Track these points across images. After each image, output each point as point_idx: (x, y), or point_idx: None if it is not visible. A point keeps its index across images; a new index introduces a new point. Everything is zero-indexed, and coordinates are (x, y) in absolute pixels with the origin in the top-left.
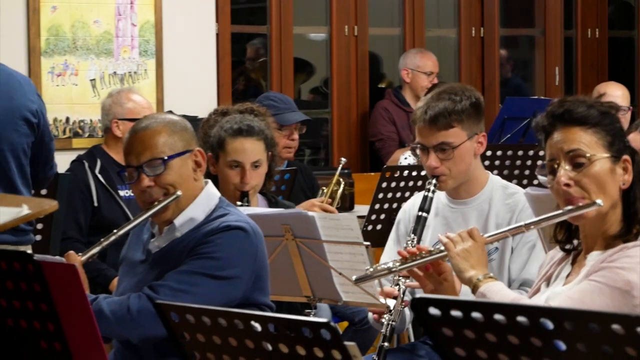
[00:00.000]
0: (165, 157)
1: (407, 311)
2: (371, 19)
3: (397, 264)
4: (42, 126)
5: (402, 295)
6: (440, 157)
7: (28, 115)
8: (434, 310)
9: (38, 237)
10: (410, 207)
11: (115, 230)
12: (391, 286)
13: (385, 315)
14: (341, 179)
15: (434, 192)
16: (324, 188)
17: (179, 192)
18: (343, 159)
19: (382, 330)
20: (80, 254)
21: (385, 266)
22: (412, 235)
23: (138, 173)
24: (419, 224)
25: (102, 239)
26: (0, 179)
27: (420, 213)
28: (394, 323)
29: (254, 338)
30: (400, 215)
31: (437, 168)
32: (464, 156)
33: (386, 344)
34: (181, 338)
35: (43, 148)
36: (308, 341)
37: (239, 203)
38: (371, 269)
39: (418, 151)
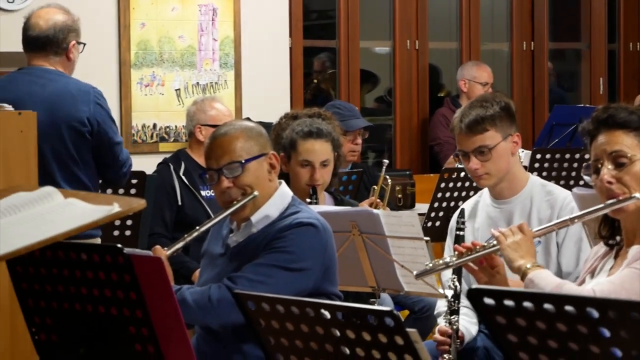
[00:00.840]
0: (243, 161)
1: (472, 327)
2: (431, 34)
3: (454, 258)
4: (99, 132)
5: (455, 335)
6: (480, 159)
7: (76, 125)
8: (488, 300)
9: (128, 233)
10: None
11: (197, 227)
12: (445, 324)
13: (445, 355)
14: (388, 178)
15: (463, 229)
16: (375, 187)
17: (255, 193)
18: (385, 161)
19: None
20: (165, 248)
21: (443, 261)
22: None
23: (218, 175)
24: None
25: (185, 235)
26: (47, 182)
27: (457, 232)
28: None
29: (324, 325)
30: (451, 224)
31: (477, 169)
32: (501, 155)
33: None
34: (257, 325)
35: (105, 151)
36: (373, 328)
37: (308, 200)
38: (430, 264)
39: (460, 158)
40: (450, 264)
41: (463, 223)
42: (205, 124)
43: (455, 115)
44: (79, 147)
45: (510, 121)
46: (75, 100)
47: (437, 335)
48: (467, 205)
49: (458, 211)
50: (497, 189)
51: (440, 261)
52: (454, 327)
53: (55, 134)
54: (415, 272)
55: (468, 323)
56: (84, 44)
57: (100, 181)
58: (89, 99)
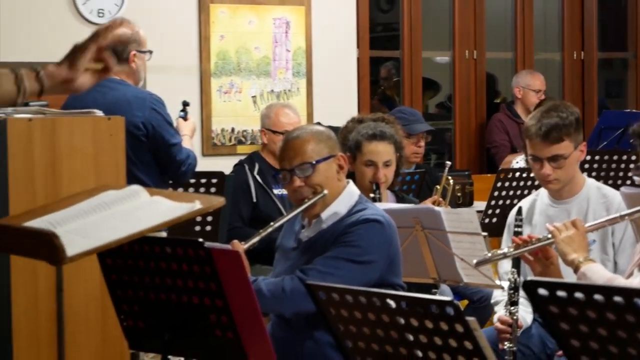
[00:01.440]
0: (313, 162)
1: (527, 316)
2: (487, 44)
3: (511, 249)
4: (154, 135)
5: (515, 324)
6: (553, 166)
7: (131, 129)
8: (542, 291)
9: (208, 228)
10: (513, 215)
11: (272, 223)
12: (505, 314)
13: (506, 343)
14: (450, 178)
15: (521, 226)
16: (437, 186)
17: (325, 191)
18: (448, 162)
19: (507, 357)
20: (243, 242)
21: (501, 252)
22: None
23: (291, 175)
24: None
25: (260, 230)
26: None
27: (516, 229)
28: (514, 348)
29: (389, 313)
30: (509, 220)
31: (549, 175)
32: (571, 164)
33: None
34: (327, 313)
35: (162, 152)
36: (435, 316)
37: (371, 195)
38: (489, 254)
39: (530, 162)
40: (508, 254)
41: (521, 220)
42: (269, 128)
43: (530, 122)
44: (136, 149)
45: (579, 131)
46: (131, 107)
47: (498, 324)
48: (524, 204)
49: (516, 209)
50: (559, 191)
51: (499, 252)
52: (514, 317)
53: None
54: (474, 261)
55: (524, 312)
56: (150, 52)
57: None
58: (145, 105)
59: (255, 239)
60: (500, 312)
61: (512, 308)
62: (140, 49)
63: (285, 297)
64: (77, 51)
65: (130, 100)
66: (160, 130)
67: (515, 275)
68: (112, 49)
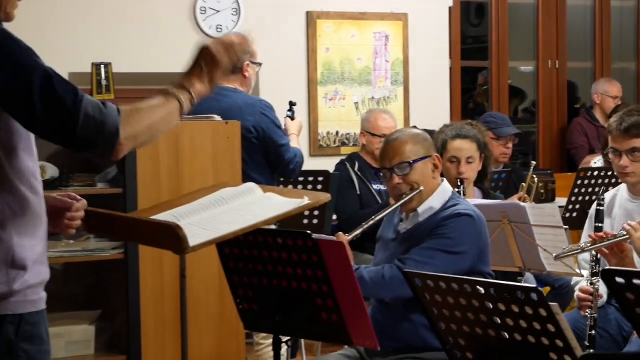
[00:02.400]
0: (411, 161)
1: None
2: (569, 55)
3: (589, 244)
4: (264, 138)
5: (596, 293)
6: (631, 159)
7: (244, 132)
8: (619, 279)
9: (315, 221)
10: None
11: (373, 217)
12: (587, 285)
13: (587, 310)
14: (535, 177)
15: (602, 204)
16: (523, 184)
17: (421, 188)
18: (533, 162)
19: (588, 322)
20: (347, 234)
21: (579, 246)
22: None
23: (390, 173)
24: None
25: (363, 223)
26: None
27: (597, 224)
28: (595, 315)
29: (479, 299)
30: (591, 212)
31: (627, 167)
32: None
33: (593, 332)
34: (423, 298)
35: (272, 153)
36: (521, 302)
37: (456, 189)
38: (568, 248)
39: (610, 155)
40: (585, 248)
41: (602, 205)
42: (368, 131)
43: (614, 119)
44: (248, 150)
45: None
46: (243, 112)
47: (579, 293)
48: (605, 197)
49: (598, 200)
50: (637, 187)
51: (577, 246)
52: (595, 287)
53: None
54: (554, 254)
55: (602, 287)
56: (260, 64)
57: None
58: (255, 110)
59: (358, 231)
60: (583, 284)
61: (594, 279)
62: (253, 60)
63: (385, 284)
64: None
65: (242, 107)
66: (270, 132)
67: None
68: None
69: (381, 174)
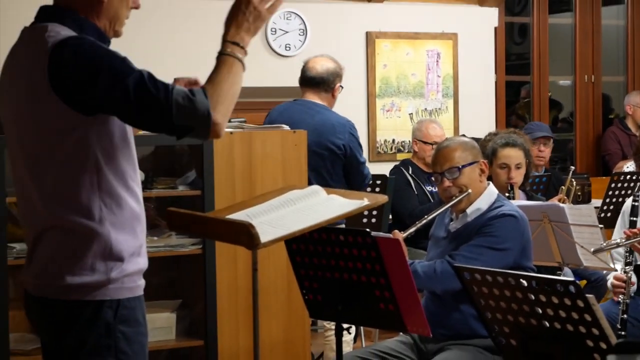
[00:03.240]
0: (460, 166)
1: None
2: (603, 69)
3: (623, 239)
4: (350, 155)
5: (629, 280)
6: None
7: (334, 148)
8: None
9: (373, 220)
10: (629, 203)
11: (425, 216)
12: (621, 273)
13: (620, 296)
14: (573, 180)
15: (637, 200)
16: (563, 187)
17: (469, 190)
18: (572, 167)
19: (620, 307)
20: (402, 231)
21: (614, 241)
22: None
23: (441, 177)
24: (632, 226)
25: (416, 222)
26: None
27: (632, 218)
28: (628, 300)
29: (522, 291)
30: (624, 208)
31: None
32: None
33: (625, 316)
34: (471, 290)
35: (353, 168)
36: (560, 293)
37: (506, 194)
38: (604, 244)
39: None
40: (620, 244)
41: (637, 200)
42: (420, 139)
43: None
44: (334, 163)
45: None
46: (335, 130)
47: (613, 280)
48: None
49: (634, 196)
50: None
51: (612, 242)
52: (628, 275)
53: (318, 152)
54: (592, 249)
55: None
56: (342, 87)
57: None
58: (345, 130)
59: (412, 229)
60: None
61: (627, 268)
62: (341, 83)
63: (437, 277)
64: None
65: (334, 125)
66: (355, 151)
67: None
68: (322, 78)
69: (432, 178)
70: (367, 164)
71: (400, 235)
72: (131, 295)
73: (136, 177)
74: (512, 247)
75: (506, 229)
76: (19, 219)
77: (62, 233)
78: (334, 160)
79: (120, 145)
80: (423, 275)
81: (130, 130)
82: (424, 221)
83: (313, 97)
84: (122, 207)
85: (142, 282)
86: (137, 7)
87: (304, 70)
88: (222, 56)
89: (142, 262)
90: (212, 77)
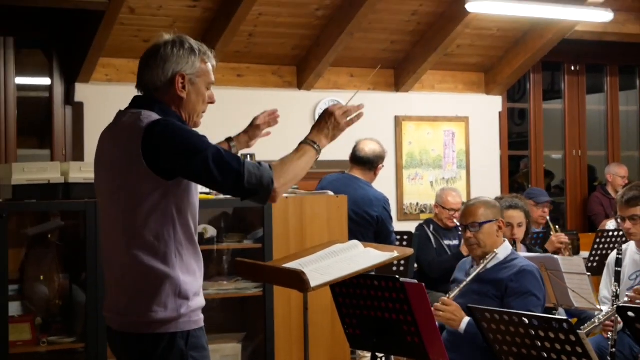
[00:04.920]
0: (480, 222)
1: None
2: (588, 145)
3: (602, 315)
4: (381, 225)
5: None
6: (632, 223)
7: (368, 218)
8: (630, 313)
9: (401, 268)
10: (613, 256)
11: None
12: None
13: (609, 333)
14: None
15: (620, 253)
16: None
17: (496, 252)
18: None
19: (610, 342)
20: (447, 295)
21: (595, 321)
22: (615, 284)
23: (465, 228)
24: (617, 275)
25: (459, 285)
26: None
27: (617, 269)
28: (615, 337)
29: (524, 327)
30: (608, 260)
31: (630, 229)
32: None
33: (613, 349)
34: (482, 326)
35: (383, 235)
36: (555, 330)
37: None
38: (596, 321)
39: (619, 220)
40: (598, 322)
41: (620, 253)
42: (440, 205)
43: (620, 194)
44: (367, 230)
45: None
46: (372, 204)
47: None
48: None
49: (615, 251)
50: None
51: (597, 319)
52: (616, 316)
53: (356, 219)
54: (585, 331)
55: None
56: (384, 166)
57: None
58: (380, 204)
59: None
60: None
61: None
62: (383, 164)
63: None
64: (253, 127)
65: (372, 199)
66: (386, 222)
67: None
68: (368, 159)
69: (459, 227)
70: (396, 222)
71: (450, 301)
72: (197, 326)
73: (196, 232)
74: (543, 296)
75: (531, 283)
76: (103, 262)
77: (143, 276)
78: (367, 227)
79: (189, 207)
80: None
81: (196, 195)
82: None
83: (358, 173)
84: (188, 255)
85: (202, 316)
86: (212, 103)
87: (354, 150)
88: (300, 145)
89: (202, 301)
90: (285, 158)
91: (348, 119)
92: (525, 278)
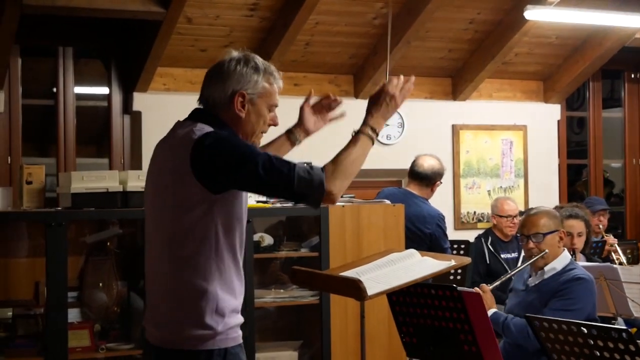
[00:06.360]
0: (544, 233)
1: None
2: None
3: None
4: (435, 241)
5: None
6: None
7: (420, 235)
8: None
9: (459, 277)
10: None
11: (509, 271)
12: None
13: None
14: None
15: None
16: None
17: (546, 250)
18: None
19: None
20: (489, 284)
21: None
22: None
23: (527, 239)
24: None
25: (502, 276)
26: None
27: None
28: None
29: (583, 337)
30: None
31: None
32: None
33: None
34: (540, 336)
35: (438, 251)
36: (614, 339)
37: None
38: None
39: None
40: None
41: None
42: (497, 214)
43: None
44: (420, 245)
45: None
46: (426, 221)
47: None
48: None
49: None
50: None
51: None
52: None
53: (409, 234)
54: None
55: None
56: (442, 183)
57: None
58: (433, 221)
59: (497, 283)
60: None
61: None
62: (441, 180)
63: (529, 337)
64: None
65: (425, 216)
66: (439, 240)
67: None
68: (426, 175)
69: (520, 238)
70: (453, 232)
71: (487, 287)
72: (235, 343)
73: (242, 251)
74: (585, 306)
75: (579, 291)
76: (145, 273)
77: (181, 289)
78: (420, 243)
79: (235, 224)
80: (516, 332)
81: (244, 211)
82: (508, 275)
83: (415, 189)
84: (229, 273)
85: (240, 332)
86: (275, 125)
87: (413, 165)
88: (358, 135)
89: (240, 318)
90: (338, 155)
91: (403, 97)
92: (573, 285)
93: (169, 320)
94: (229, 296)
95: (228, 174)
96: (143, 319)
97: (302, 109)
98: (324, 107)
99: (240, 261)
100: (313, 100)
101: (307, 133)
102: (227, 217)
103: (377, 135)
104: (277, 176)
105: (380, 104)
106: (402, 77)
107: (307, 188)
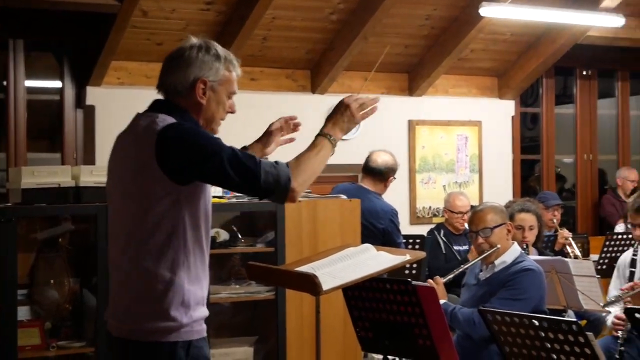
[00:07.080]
0: (491, 227)
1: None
2: (599, 149)
3: (625, 292)
4: (388, 236)
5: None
6: None
7: (373, 230)
8: (638, 315)
9: (414, 272)
10: (624, 258)
11: (461, 266)
12: (620, 313)
13: (619, 332)
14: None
15: (636, 254)
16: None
17: (498, 246)
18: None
19: (619, 341)
20: (442, 277)
21: (616, 295)
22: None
23: (476, 235)
24: (631, 276)
25: (454, 270)
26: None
27: (631, 269)
28: (625, 336)
29: (534, 329)
30: (618, 262)
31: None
32: None
33: (622, 347)
34: (493, 329)
35: (390, 245)
36: (565, 331)
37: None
38: (613, 298)
39: (630, 227)
40: (622, 296)
41: (636, 254)
42: (448, 209)
43: (630, 200)
44: (373, 240)
45: None
46: (379, 215)
47: (614, 320)
48: (629, 253)
49: (626, 253)
50: None
51: (614, 295)
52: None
53: (363, 230)
54: (601, 304)
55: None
56: (395, 178)
57: None
58: (387, 216)
59: (450, 276)
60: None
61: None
62: (395, 175)
63: (474, 326)
64: (267, 134)
65: (379, 211)
66: (392, 235)
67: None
68: (380, 170)
69: (468, 235)
70: (409, 226)
71: (440, 280)
72: (199, 336)
73: (208, 243)
74: (532, 296)
75: (526, 282)
76: (109, 266)
77: (147, 281)
78: (374, 238)
79: (201, 213)
80: (463, 322)
81: (209, 201)
82: (460, 270)
83: (369, 184)
84: (196, 265)
85: (205, 326)
86: (232, 112)
87: (367, 161)
88: (318, 137)
89: (205, 311)
90: (301, 154)
91: (363, 112)
92: (521, 276)
93: (133, 312)
94: (195, 287)
95: (193, 166)
96: (105, 312)
97: (271, 132)
98: (284, 128)
99: (207, 253)
100: (281, 122)
101: (264, 154)
102: (194, 209)
103: (334, 141)
104: (243, 170)
105: (335, 112)
106: (367, 98)
107: (274, 184)
